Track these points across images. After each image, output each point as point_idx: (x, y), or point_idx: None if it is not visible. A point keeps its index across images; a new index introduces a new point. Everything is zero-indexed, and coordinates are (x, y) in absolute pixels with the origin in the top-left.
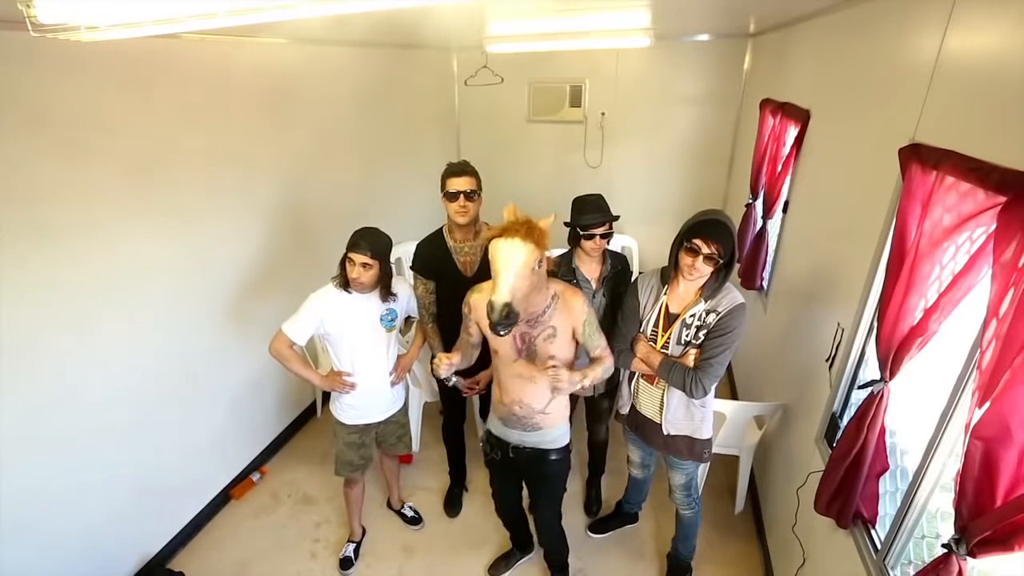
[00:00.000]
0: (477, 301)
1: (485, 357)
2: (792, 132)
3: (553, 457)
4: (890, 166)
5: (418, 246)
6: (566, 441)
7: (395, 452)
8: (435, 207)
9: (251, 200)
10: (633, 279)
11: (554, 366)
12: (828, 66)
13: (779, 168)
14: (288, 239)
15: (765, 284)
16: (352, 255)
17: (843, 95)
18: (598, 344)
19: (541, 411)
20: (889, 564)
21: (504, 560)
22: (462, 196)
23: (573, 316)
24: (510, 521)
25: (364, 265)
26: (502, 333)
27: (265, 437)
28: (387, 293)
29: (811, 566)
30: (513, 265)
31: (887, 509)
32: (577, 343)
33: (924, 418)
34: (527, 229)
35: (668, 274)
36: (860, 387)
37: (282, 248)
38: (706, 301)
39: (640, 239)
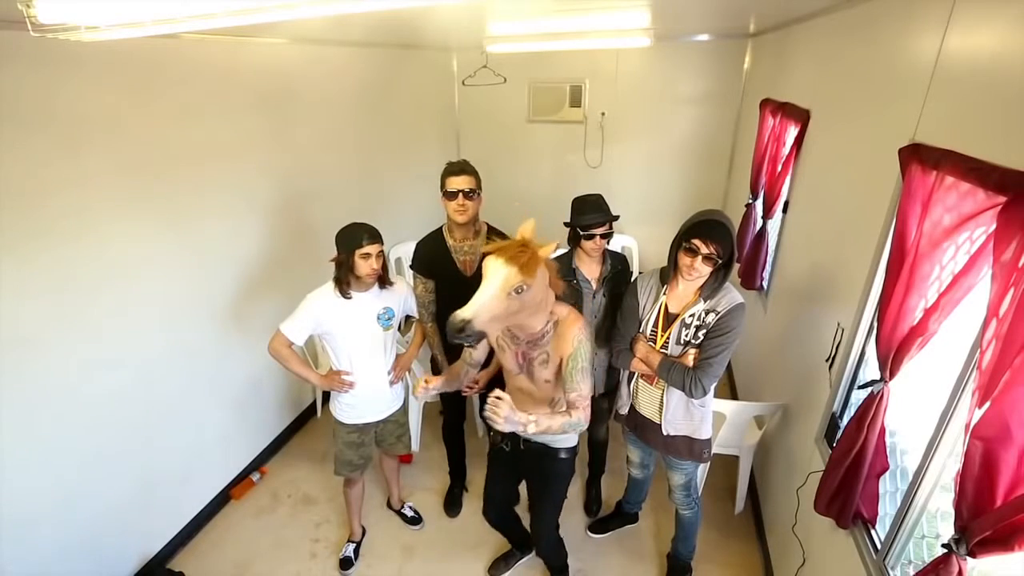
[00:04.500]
0: None
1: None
2: (792, 132)
3: (562, 456)
4: (890, 166)
5: (418, 245)
6: (574, 442)
7: (394, 452)
8: (435, 207)
9: (251, 200)
10: (633, 279)
11: (498, 397)
12: (828, 66)
13: (779, 168)
14: (288, 239)
15: (765, 284)
16: (367, 249)
17: (843, 95)
18: (575, 388)
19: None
20: (889, 564)
21: (504, 560)
22: (461, 195)
23: (563, 345)
24: (497, 524)
25: (379, 254)
26: (467, 344)
27: (265, 437)
28: (384, 279)
29: (811, 566)
30: (489, 285)
31: (887, 509)
32: None
33: (924, 418)
34: (516, 252)
35: (667, 274)
36: (860, 387)
37: (282, 247)
38: (705, 301)
39: (640, 239)
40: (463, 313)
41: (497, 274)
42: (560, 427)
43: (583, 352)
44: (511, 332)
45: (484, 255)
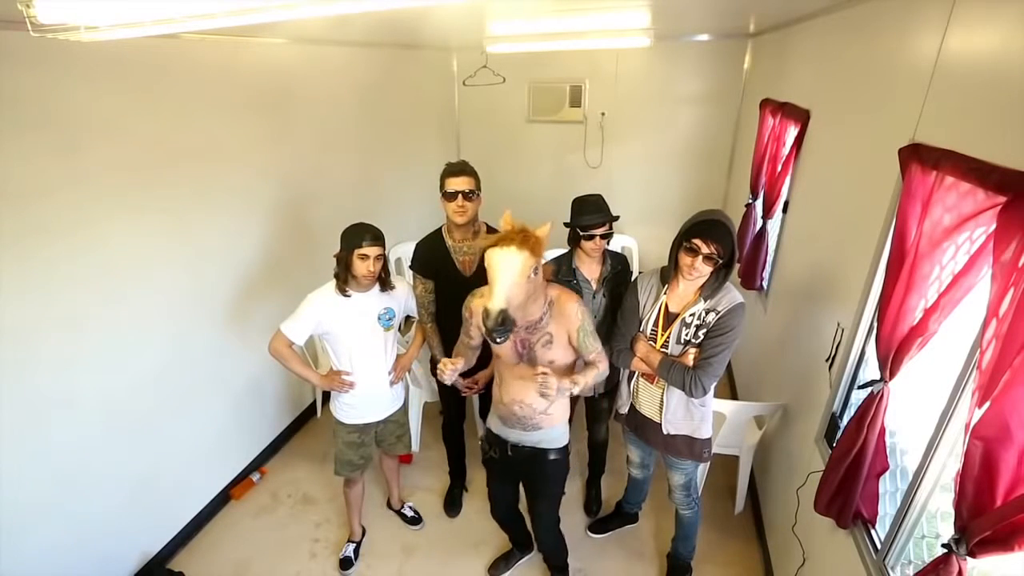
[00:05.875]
0: (477, 306)
1: (484, 357)
2: (792, 132)
3: (552, 457)
4: (890, 166)
5: (417, 246)
6: (565, 441)
7: (394, 452)
8: (435, 207)
9: (251, 200)
10: (633, 279)
11: (544, 373)
12: (828, 66)
13: (779, 168)
14: (288, 239)
15: (765, 284)
16: (366, 250)
17: (843, 95)
18: (593, 348)
19: (543, 412)
20: (889, 564)
21: (504, 560)
22: (460, 196)
23: (568, 321)
24: (505, 522)
25: (377, 257)
26: (499, 340)
27: (265, 437)
28: (386, 282)
29: (811, 566)
30: (509, 273)
31: (887, 509)
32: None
33: (924, 418)
34: (522, 238)
35: (668, 274)
36: (860, 387)
37: (282, 248)
38: (705, 300)
39: (640, 239)
40: (497, 304)
41: (513, 261)
42: (593, 379)
43: (587, 320)
44: None
45: (485, 248)
